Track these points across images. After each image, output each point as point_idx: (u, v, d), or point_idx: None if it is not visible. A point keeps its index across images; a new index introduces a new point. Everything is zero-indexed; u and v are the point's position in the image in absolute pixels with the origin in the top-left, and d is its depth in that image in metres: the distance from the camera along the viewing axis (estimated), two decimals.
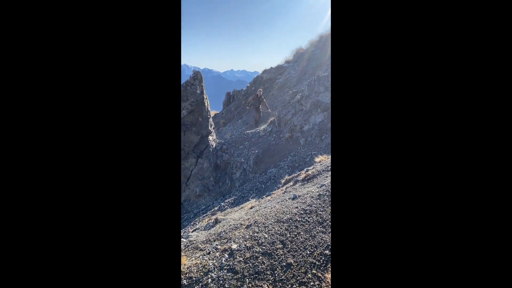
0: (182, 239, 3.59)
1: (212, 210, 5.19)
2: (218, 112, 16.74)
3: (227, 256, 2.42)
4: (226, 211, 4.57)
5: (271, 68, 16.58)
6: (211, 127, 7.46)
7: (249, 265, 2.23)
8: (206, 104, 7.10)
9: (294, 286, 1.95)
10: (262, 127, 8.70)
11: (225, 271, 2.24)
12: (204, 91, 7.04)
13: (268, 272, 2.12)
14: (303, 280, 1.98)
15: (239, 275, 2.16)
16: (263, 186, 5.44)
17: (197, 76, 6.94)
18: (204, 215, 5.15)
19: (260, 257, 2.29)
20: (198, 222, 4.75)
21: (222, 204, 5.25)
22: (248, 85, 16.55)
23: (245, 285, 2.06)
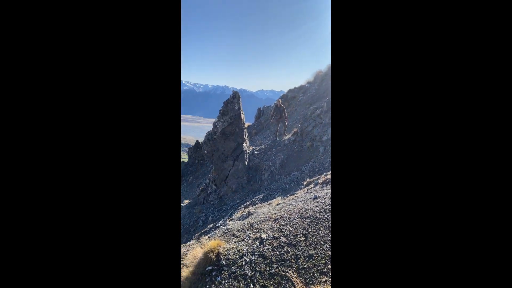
0: (221, 227, 3.66)
1: (245, 204, 5.22)
2: (250, 124, 16.96)
3: (258, 243, 2.41)
4: (256, 206, 4.57)
5: (295, 87, 16.45)
6: (245, 136, 7.58)
7: (276, 253, 2.20)
8: (242, 118, 7.26)
9: (316, 274, 1.87)
10: (287, 136, 8.61)
11: (256, 256, 2.23)
12: (241, 107, 7.21)
13: (293, 260, 2.07)
14: (323, 270, 1.89)
15: (268, 261, 2.13)
16: (287, 186, 5.35)
17: (235, 95, 7.15)
18: (239, 208, 5.20)
19: (286, 246, 2.25)
20: (234, 214, 4.80)
21: (253, 199, 5.26)
22: (276, 102, 16.59)
23: (273, 270, 2.03)
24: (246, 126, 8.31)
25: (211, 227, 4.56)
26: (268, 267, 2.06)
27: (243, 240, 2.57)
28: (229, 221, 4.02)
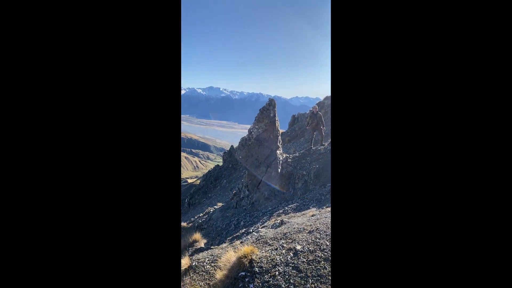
0: (253, 233, 3.66)
1: (278, 212, 5.15)
2: (284, 131, 16.85)
3: (292, 254, 2.34)
4: (289, 215, 4.46)
5: None
6: (279, 143, 7.55)
7: (312, 267, 2.10)
8: (277, 125, 7.27)
9: None
10: (323, 145, 8.29)
11: (290, 267, 2.16)
12: (276, 115, 7.24)
13: (330, 278, 1.94)
14: None
15: (303, 274, 2.05)
16: (322, 197, 5.11)
17: (271, 102, 7.22)
18: (271, 215, 5.15)
19: (322, 262, 2.13)
20: (266, 221, 4.77)
21: (286, 208, 5.16)
22: (312, 108, 16.23)
23: (308, 285, 1.93)
24: (280, 133, 8.27)
25: (243, 232, 4.61)
26: (303, 281, 1.98)
27: (276, 249, 2.52)
28: (261, 228, 4.00)
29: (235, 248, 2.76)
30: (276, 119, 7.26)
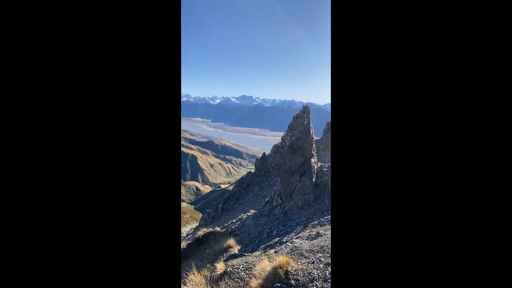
0: (287, 243, 3.58)
1: (312, 223, 4.94)
2: (318, 138, 16.30)
3: (330, 270, 2.21)
4: (325, 227, 4.24)
5: None
6: (313, 151, 7.32)
7: None
8: (311, 132, 7.09)
9: None
10: None
11: (329, 284, 2.04)
12: (311, 122, 7.07)
13: None
14: None
15: None
16: None
17: (305, 110, 7.10)
18: (305, 226, 4.97)
19: None
20: (300, 231, 4.62)
21: (321, 219, 4.91)
22: None
23: None
24: (314, 141, 8.02)
25: (276, 241, 4.53)
26: None
27: (313, 262, 2.42)
28: (296, 238, 3.88)
29: (269, 257, 2.73)
30: (311, 126, 7.09)
